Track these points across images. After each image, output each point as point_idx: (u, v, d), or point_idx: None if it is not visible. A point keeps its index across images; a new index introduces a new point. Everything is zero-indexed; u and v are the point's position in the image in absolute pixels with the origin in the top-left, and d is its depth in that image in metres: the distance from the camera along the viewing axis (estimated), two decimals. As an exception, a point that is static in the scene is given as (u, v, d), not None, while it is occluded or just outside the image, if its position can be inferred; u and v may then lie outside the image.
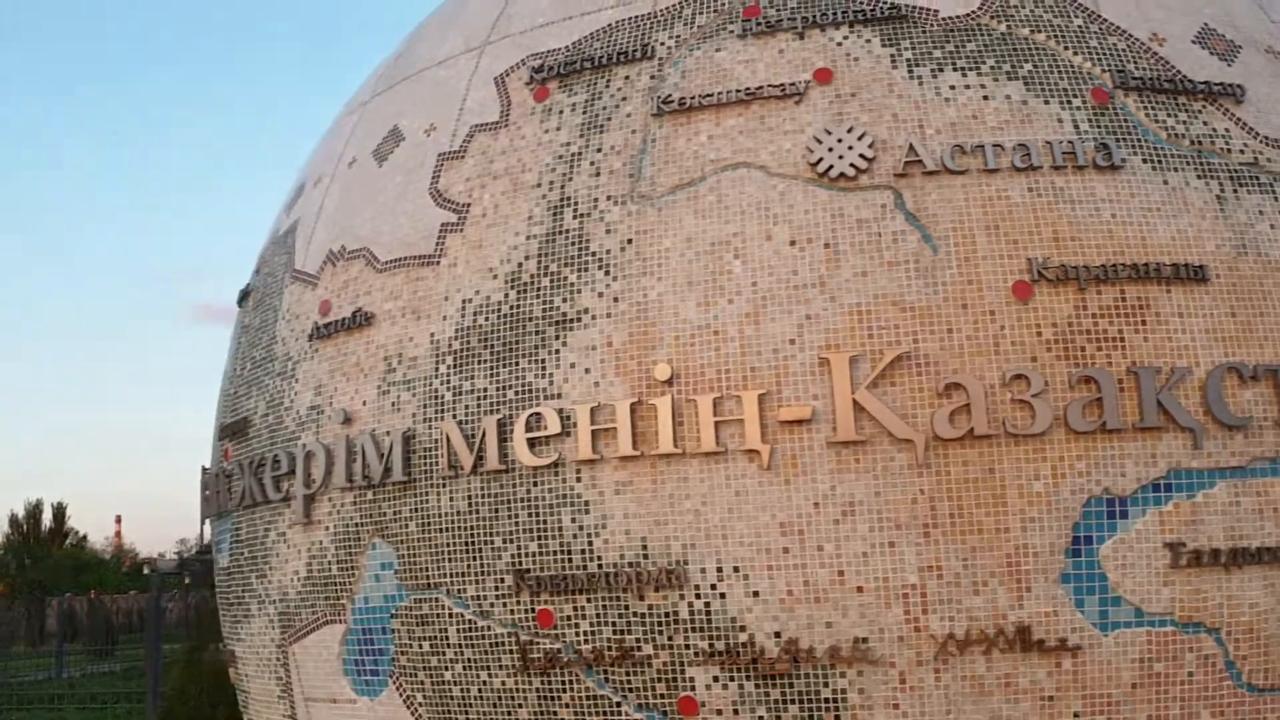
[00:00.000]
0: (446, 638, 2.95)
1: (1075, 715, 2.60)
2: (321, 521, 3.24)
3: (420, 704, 3.02)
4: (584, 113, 3.10)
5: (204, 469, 4.28)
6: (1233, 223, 2.82)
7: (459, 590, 2.93)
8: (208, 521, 4.19)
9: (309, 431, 3.31)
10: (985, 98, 2.88)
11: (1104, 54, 2.97)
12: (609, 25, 3.22)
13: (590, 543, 2.77)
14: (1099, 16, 3.04)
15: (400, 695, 3.06)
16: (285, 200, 4.31)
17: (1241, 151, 2.92)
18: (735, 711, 2.67)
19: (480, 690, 2.91)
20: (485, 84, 3.34)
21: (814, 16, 3.02)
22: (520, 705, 2.86)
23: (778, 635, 2.64)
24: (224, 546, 3.84)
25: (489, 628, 2.88)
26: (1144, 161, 2.84)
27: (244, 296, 4.06)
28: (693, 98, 2.98)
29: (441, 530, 2.96)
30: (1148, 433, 2.62)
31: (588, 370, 2.82)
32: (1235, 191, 2.86)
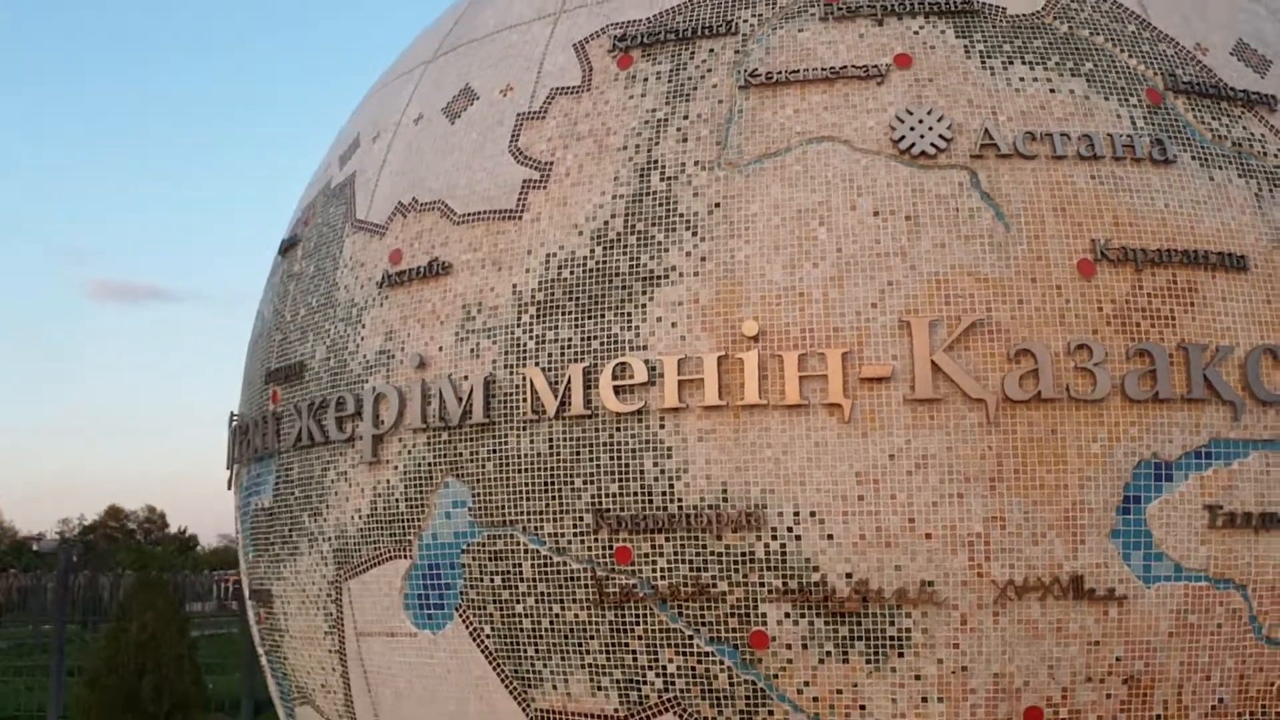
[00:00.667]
0: (520, 573, 3.08)
1: (1117, 659, 2.83)
2: (390, 461, 3.34)
3: (488, 636, 3.15)
4: (669, 81, 3.25)
5: (234, 414, 4.34)
6: (1269, 219, 3.08)
7: (535, 528, 3.06)
8: (237, 467, 4.26)
9: (377, 375, 3.41)
10: (1052, 90, 3.10)
11: (1155, 58, 3.22)
12: (690, 0, 3.38)
13: (671, 485, 2.93)
14: (1150, 24, 3.29)
15: (467, 628, 3.18)
16: (325, 157, 4.39)
17: (1276, 155, 3.18)
18: (804, 646, 2.85)
19: (552, 623, 3.05)
20: (564, 49, 3.48)
21: (891, 5, 3.21)
22: (592, 637, 3.00)
23: (849, 576, 2.83)
24: (264, 488, 3.90)
25: (565, 563, 3.02)
26: (1193, 158, 3.09)
27: (289, 247, 4.13)
28: (778, 73, 3.15)
29: (520, 470, 3.09)
30: (1194, 404, 2.87)
31: (674, 325, 2.98)
32: (1271, 191, 3.12)
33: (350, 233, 3.72)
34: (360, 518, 3.43)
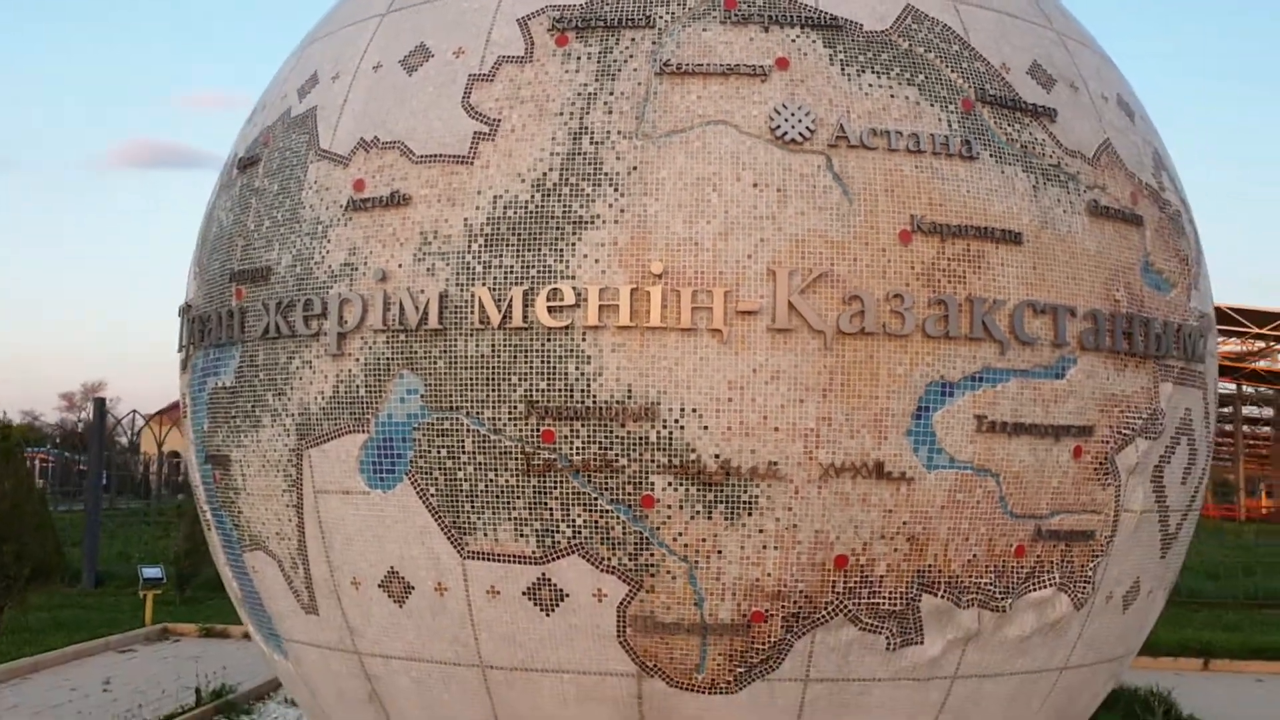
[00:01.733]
0: (463, 446, 3.93)
1: (903, 523, 3.90)
2: (352, 354, 4.12)
3: (432, 495, 4.00)
4: (598, 62, 4.05)
5: (189, 305, 4.99)
6: (1041, 205, 4.12)
7: (477, 413, 3.91)
8: (191, 350, 4.92)
9: (342, 283, 4.16)
10: (891, 96, 4.04)
11: (971, 74, 4.19)
12: (616, -7, 4.16)
13: (588, 385, 3.81)
14: (969, 45, 4.25)
15: (414, 488, 4.02)
16: (278, 85, 5.00)
17: (1051, 157, 4.22)
18: (681, 507, 3.81)
19: (486, 486, 3.92)
20: (509, 23, 4.21)
21: (776, 15, 4.08)
22: (518, 498, 3.89)
23: (717, 456, 3.79)
24: (224, 370, 4.61)
25: (500, 441, 3.89)
26: (990, 156, 4.09)
27: (249, 164, 4.76)
28: (686, 64, 3.99)
29: (466, 368, 3.92)
30: (973, 341, 3.91)
31: (597, 261, 3.84)
32: (1045, 184, 4.16)
33: (314, 159, 4.40)
34: (323, 398, 4.20)
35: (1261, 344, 46.99)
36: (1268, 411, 59.89)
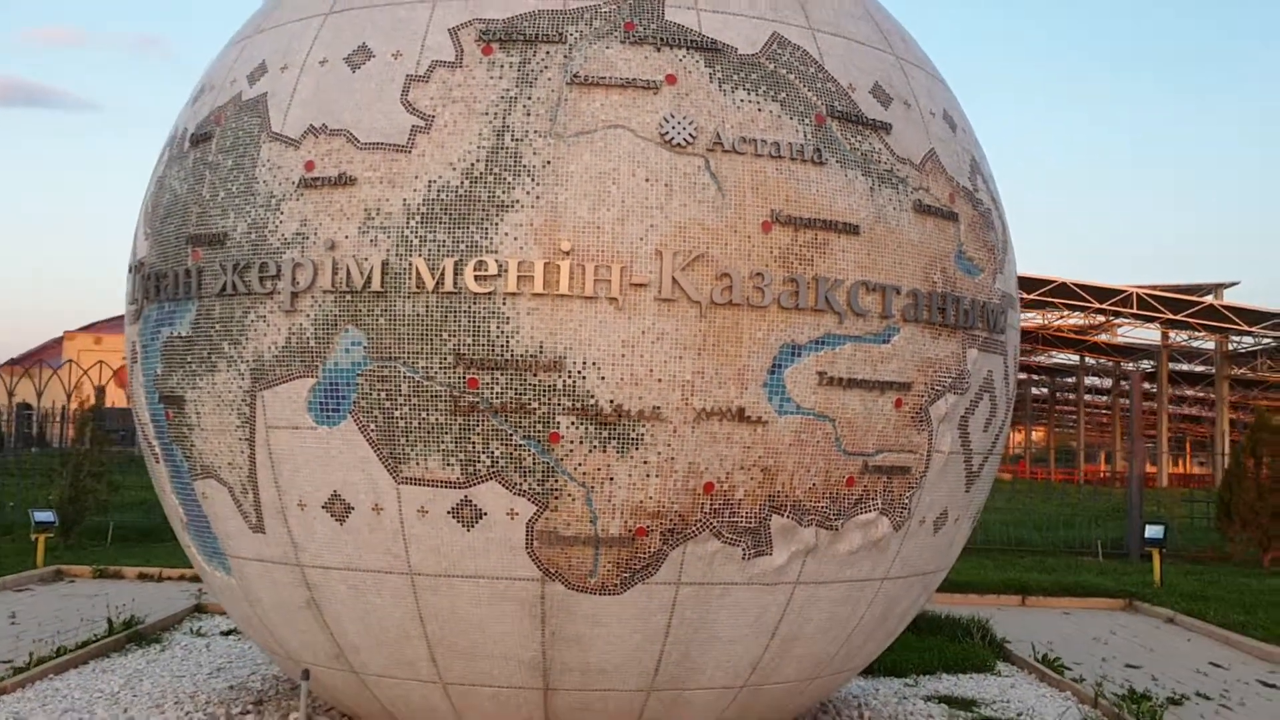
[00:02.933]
0: (400, 390, 4.71)
1: (759, 457, 4.84)
2: (303, 311, 4.84)
3: (372, 431, 4.77)
4: (518, 70, 4.83)
5: (141, 263, 5.61)
6: (876, 203, 5.09)
7: (413, 362, 4.70)
8: (143, 303, 5.55)
9: (294, 249, 4.87)
10: (759, 110, 4.94)
11: (823, 94, 5.11)
12: (534, 12, 4.94)
13: (508, 341, 4.64)
14: (823, 69, 5.17)
15: (356, 425, 4.79)
16: (224, 69, 5.63)
17: (885, 163, 5.18)
18: (581, 442, 4.67)
19: (419, 423, 4.71)
20: (441, 31, 4.96)
21: (666, 37, 4.92)
22: (446, 433, 4.70)
23: (611, 401, 4.66)
24: (179, 321, 5.27)
25: (431, 386, 4.69)
26: (837, 162, 5.03)
27: (201, 139, 5.39)
28: (591, 76, 4.81)
29: (405, 324, 4.70)
30: (818, 312, 4.86)
31: (516, 239, 4.65)
32: (879, 186, 5.12)
33: (267, 140, 5.08)
34: (276, 348, 4.92)
35: (1102, 318, 50.05)
36: (1108, 382, 63.82)
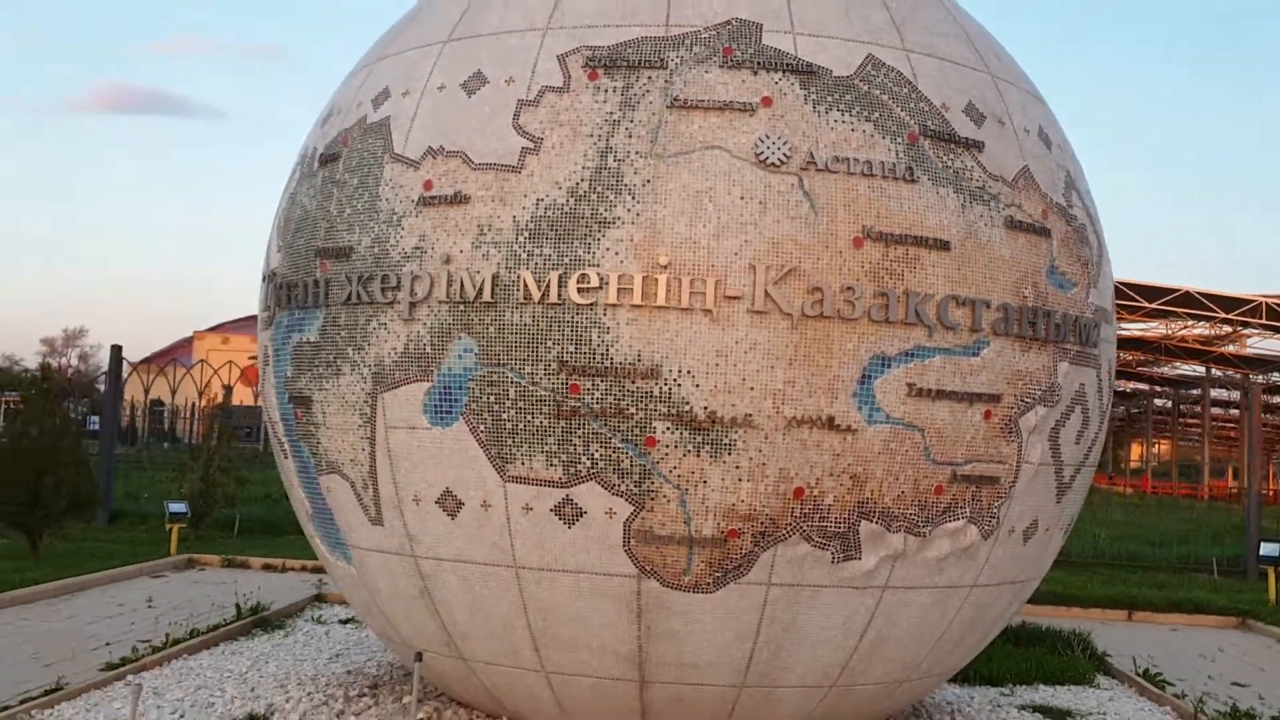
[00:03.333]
0: (507, 394, 5.04)
1: (848, 464, 5.03)
2: (420, 319, 5.21)
3: (481, 431, 5.11)
4: (621, 95, 5.12)
5: (274, 273, 6.06)
6: (967, 220, 5.23)
7: (519, 368, 5.01)
8: (275, 310, 5.99)
9: (413, 263, 5.24)
10: (852, 130, 5.13)
11: (916, 113, 5.28)
12: (638, 38, 5.22)
13: (608, 350, 4.92)
14: (917, 89, 5.34)
15: (468, 426, 5.13)
16: (351, 94, 6.05)
17: (977, 180, 5.32)
18: (676, 446, 4.93)
19: (525, 425, 5.03)
20: (550, 59, 5.27)
21: (763, 61, 5.15)
22: (550, 435, 5.00)
23: (705, 408, 4.91)
24: (308, 328, 5.69)
25: (536, 391, 5.00)
26: (929, 179, 5.19)
27: (329, 159, 5.81)
28: (690, 100, 5.06)
29: (513, 333, 5.02)
30: (908, 325, 5.03)
31: (617, 254, 4.93)
32: (970, 203, 5.27)
33: (389, 161, 5.46)
34: (395, 354, 5.29)
35: (1229, 328, 48.33)
36: (1236, 395, 61.47)
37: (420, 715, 6.32)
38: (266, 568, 12.81)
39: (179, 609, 9.89)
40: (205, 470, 16.62)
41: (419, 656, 5.41)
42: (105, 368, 27.04)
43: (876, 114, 5.19)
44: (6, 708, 6.25)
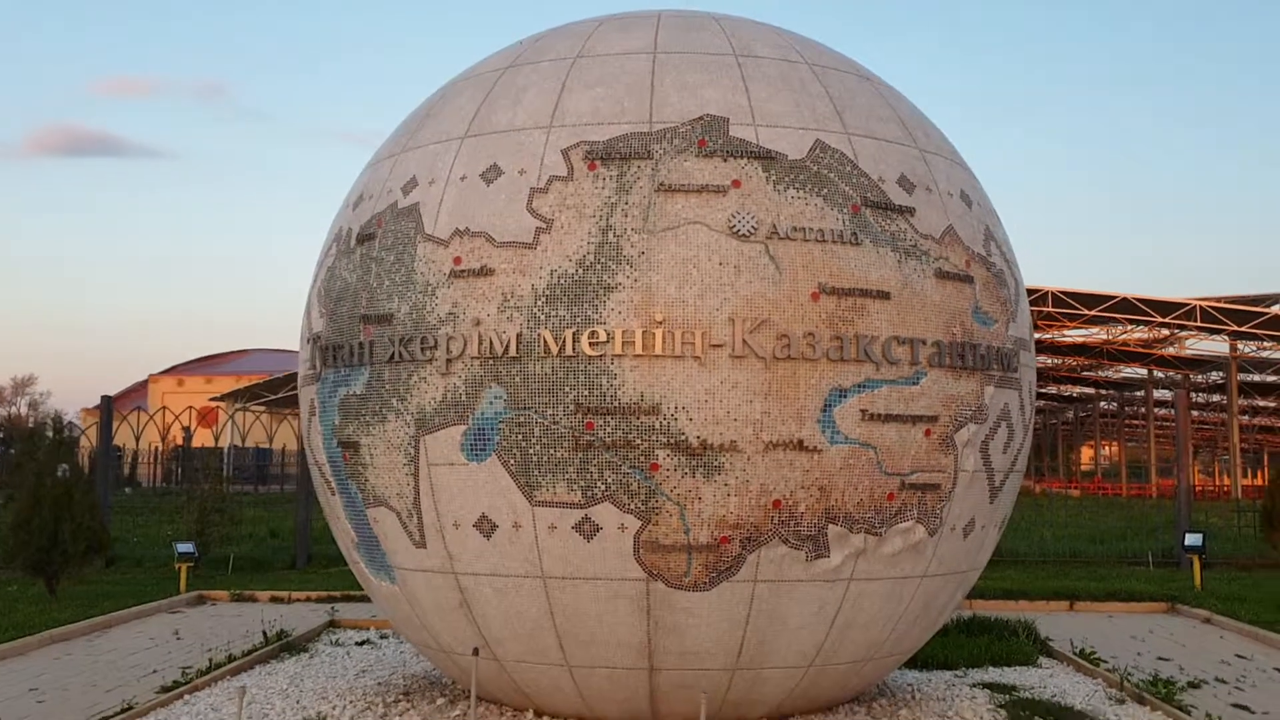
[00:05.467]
0: (533, 433, 6.08)
1: (815, 478, 6.11)
2: (456, 373, 6.24)
3: (511, 465, 6.14)
4: (616, 181, 6.21)
5: (318, 335, 7.06)
6: (903, 273, 6.36)
7: (542, 410, 6.06)
8: (324, 369, 6.99)
9: (447, 326, 6.27)
10: (806, 204, 6.25)
11: (858, 187, 6.41)
12: (627, 134, 6.31)
13: (616, 392, 5.98)
14: (857, 166, 6.47)
15: (500, 461, 6.16)
16: (380, 181, 7.08)
17: (910, 239, 6.46)
18: (675, 469, 5.99)
19: (549, 458, 6.07)
20: (555, 152, 6.35)
21: (731, 150, 6.27)
22: (570, 465, 6.05)
23: (698, 438, 5.98)
24: (355, 383, 6.70)
25: (557, 429, 6.05)
26: (871, 241, 6.32)
27: (366, 238, 6.83)
28: (674, 184, 6.16)
29: (536, 381, 6.07)
30: (859, 362, 6.14)
31: (620, 313, 6.00)
32: (905, 259, 6.40)
33: (421, 241, 6.50)
34: (434, 402, 6.32)
35: (1167, 332, 50.25)
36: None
37: (456, 713, 7.30)
38: (274, 600, 13.67)
39: (207, 639, 10.77)
40: (201, 512, 17.43)
41: (475, 651, 6.40)
42: (53, 415, 27.57)
43: (825, 189, 6.32)
44: (94, 724, 7.15)
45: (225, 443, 45.62)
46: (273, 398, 54.68)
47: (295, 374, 46.66)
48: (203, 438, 50.20)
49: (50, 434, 14.25)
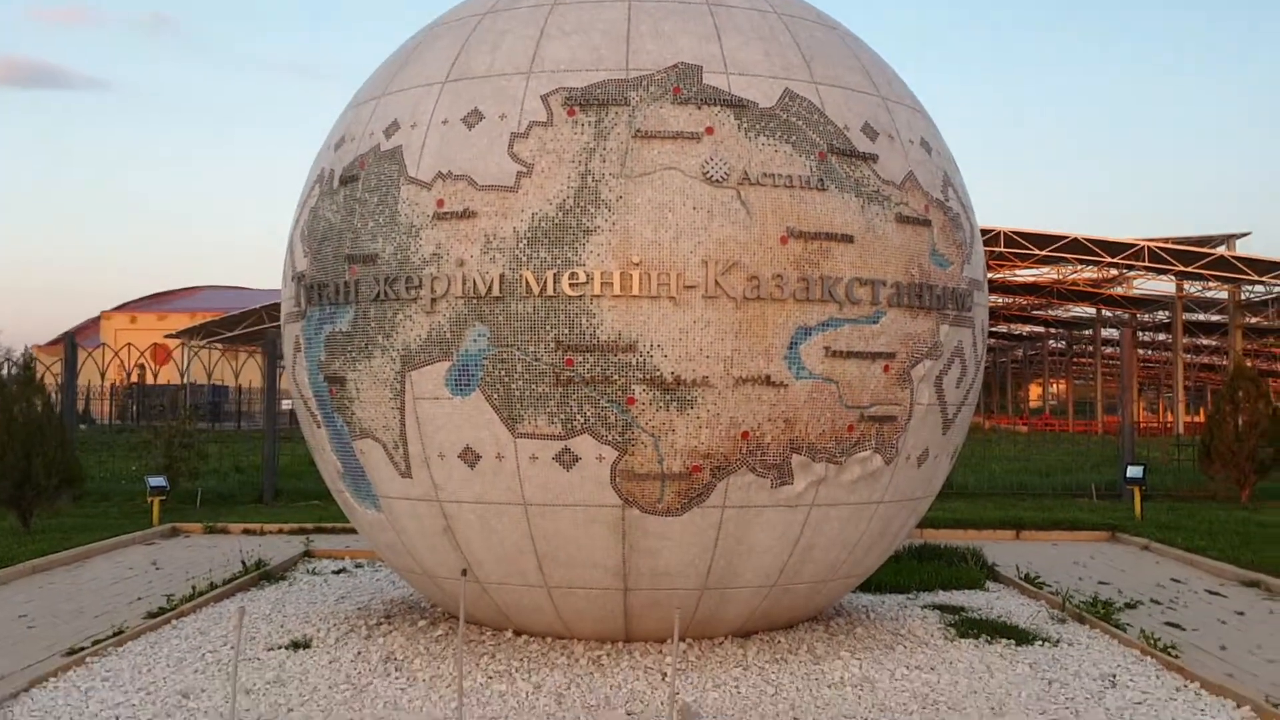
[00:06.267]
0: (515, 369, 6.40)
1: (781, 411, 6.50)
2: (441, 312, 6.53)
3: (495, 399, 6.46)
4: (595, 127, 6.47)
5: (302, 274, 7.30)
6: (866, 217, 6.71)
7: (524, 346, 6.38)
8: (307, 307, 7.24)
9: (431, 266, 6.55)
10: (775, 150, 6.56)
11: (824, 134, 6.72)
12: (604, 80, 6.57)
13: (595, 330, 6.31)
14: (824, 114, 6.78)
15: (483, 395, 6.48)
16: (362, 124, 7.28)
17: (873, 185, 6.80)
18: (650, 403, 6.35)
19: (530, 392, 6.40)
20: (535, 98, 6.59)
21: (705, 98, 6.55)
22: (550, 399, 6.39)
23: (672, 374, 6.33)
24: (340, 320, 6.96)
25: (539, 365, 6.37)
26: (836, 187, 6.65)
27: (349, 179, 7.06)
28: (650, 130, 6.44)
29: (518, 320, 6.38)
30: (824, 302, 6.51)
31: (598, 255, 6.31)
32: (868, 204, 6.74)
33: (405, 183, 6.74)
34: (420, 339, 6.61)
35: (1115, 272, 51.19)
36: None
37: (438, 633, 7.69)
38: (247, 532, 13.97)
39: (187, 569, 11.08)
40: (168, 448, 17.60)
41: (465, 572, 6.77)
42: (24, 351, 27.48)
43: (794, 137, 6.63)
44: (80, 648, 7.46)
45: (181, 380, 45.38)
46: (229, 335, 54.35)
47: (251, 311, 46.28)
48: (158, 375, 49.94)
49: (16, 370, 14.30)
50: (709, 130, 6.49)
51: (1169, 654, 7.31)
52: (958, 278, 7.24)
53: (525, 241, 6.39)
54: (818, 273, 6.51)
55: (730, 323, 6.35)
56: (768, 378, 6.43)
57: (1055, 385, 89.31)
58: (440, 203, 6.59)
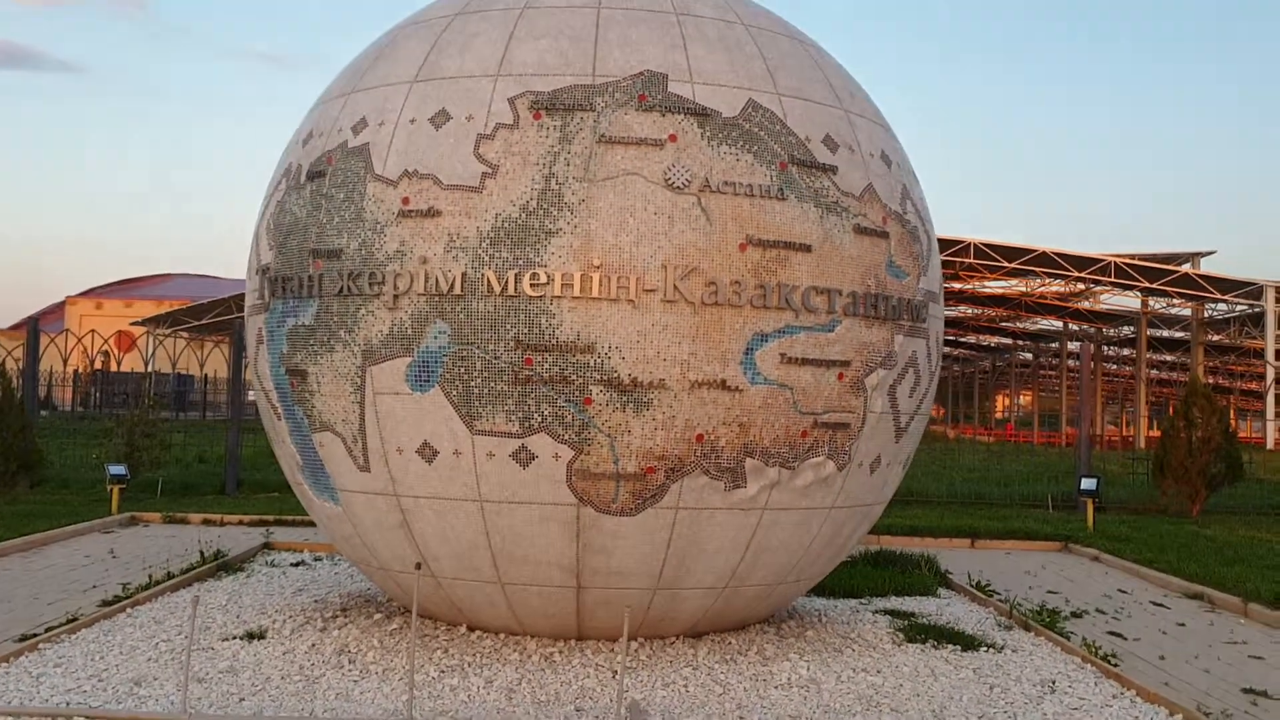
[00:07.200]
0: (475, 365, 6.48)
1: (736, 416, 6.62)
2: (403, 308, 6.60)
3: (454, 395, 6.54)
4: (560, 131, 6.57)
5: (267, 267, 7.35)
6: (825, 228, 6.84)
7: (483, 345, 6.46)
8: (273, 300, 7.29)
9: (395, 263, 6.62)
10: (737, 159, 6.68)
11: (786, 146, 6.85)
12: (571, 86, 6.67)
13: (554, 330, 6.40)
14: (786, 125, 6.90)
15: (443, 392, 6.56)
16: (331, 119, 7.34)
17: (832, 196, 6.93)
18: (607, 404, 6.45)
19: (489, 390, 6.48)
20: (502, 100, 6.68)
21: (669, 105, 6.65)
22: (509, 397, 6.47)
23: (630, 376, 6.43)
24: (303, 314, 7.02)
25: (498, 363, 6.45)
26: (795, 197, 6.78)
27: (317, 175, 7.11)
28: (614, 136, 6.54)
29: (479, 318, 6.46)
30: (780, 310, 6.63)
31: (560, 256, 6.40)
32: (827, 214, 6.87)
33: (371, 180, 6.81)
34: (381, 335, 6.68)
35: (1083, 286, 51.79)
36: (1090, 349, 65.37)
37: (393, 627, 7.76)
38: (206, 522, 13.95)
39: (143, 558, 11.07)
40: (130, 436, 17.53)
41: (419, 565, 6.84)
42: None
43: (756, 147, 6.75)
44: (33, 634, 7.47)
45: (146, 368, 45.02)
46: (196, 324, 53.98)
47: (219, 300, 45.92)
48: (122, 362, 49.54)
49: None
50: (672, 138, 6.60)
51: (1109, 662, 7.49)
52: (914, 289, 7.38)
53: (488, 241, 6.47)
54: (775, 280, 6.63)
55: (688, 327, 6.46)
56: (723, 382, 6.54)
57: (1022, 397, 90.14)
58: (405, 200, 6.66)
